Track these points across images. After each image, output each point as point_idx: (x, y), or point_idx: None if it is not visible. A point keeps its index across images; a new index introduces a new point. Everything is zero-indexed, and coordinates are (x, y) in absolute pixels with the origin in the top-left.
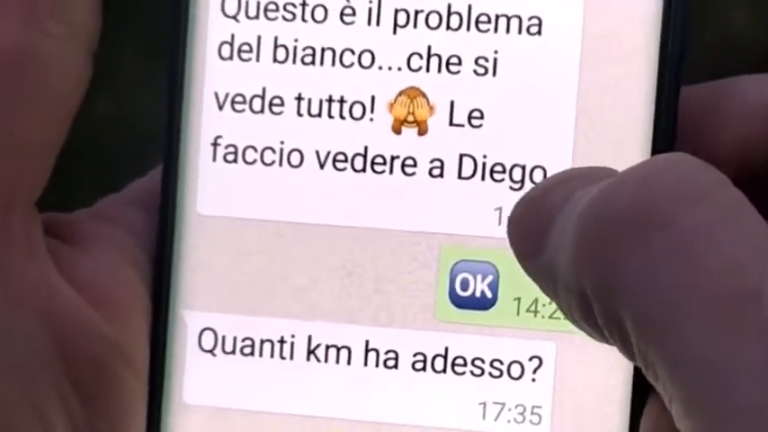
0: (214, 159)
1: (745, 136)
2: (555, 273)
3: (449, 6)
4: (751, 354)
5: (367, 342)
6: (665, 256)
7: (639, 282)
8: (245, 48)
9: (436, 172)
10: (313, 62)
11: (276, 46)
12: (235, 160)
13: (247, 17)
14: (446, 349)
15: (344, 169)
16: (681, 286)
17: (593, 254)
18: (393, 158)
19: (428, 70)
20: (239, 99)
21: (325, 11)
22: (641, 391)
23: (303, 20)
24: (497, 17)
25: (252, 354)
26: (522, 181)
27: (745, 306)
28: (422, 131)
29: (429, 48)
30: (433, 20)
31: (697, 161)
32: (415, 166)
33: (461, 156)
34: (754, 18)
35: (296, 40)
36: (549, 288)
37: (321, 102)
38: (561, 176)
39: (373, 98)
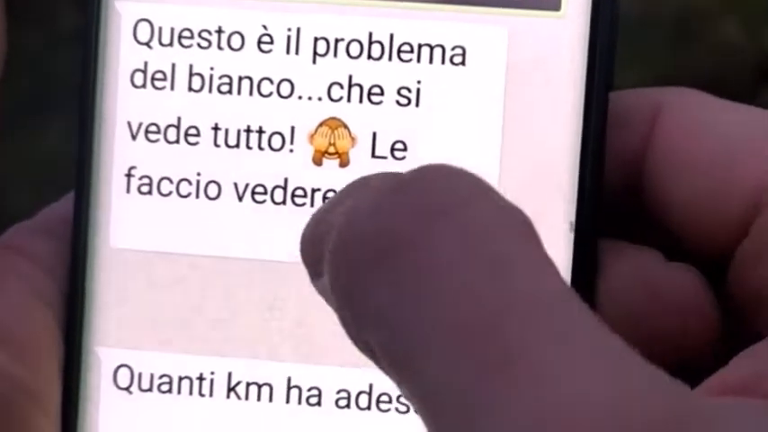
0: (128, 191)
1: (624, 152)
2: (328, 294)
3: (370, 35)
4: (487, 386)
5: (289, 379)
6: (402, 280)
7: (380, 312)
8: (159, 75)
9: None
10: (230, 91)
11: (191, 74)
12: (149, 192)
13: (161, 44)
14: (370, 386)
15: (264, 201)
16: (418, 316)
17: (340, 277)
18: (314, 191)
19: (349, 100)
20: (153, 129)
21: (242, 38)
22: None
23: (219, 47)
24: (420, 46)
25: (170, 391)
26: None
27: (483, 335)
28: (343, 163)
29: (350, 77)
30: (354, 49)
31: (448, 171)
32: None
33: None
34: (746, 31)
35: (212, 69)
36: (334, 308)
37: (239, 132)
38: (341, 192)
39: (293, 129)
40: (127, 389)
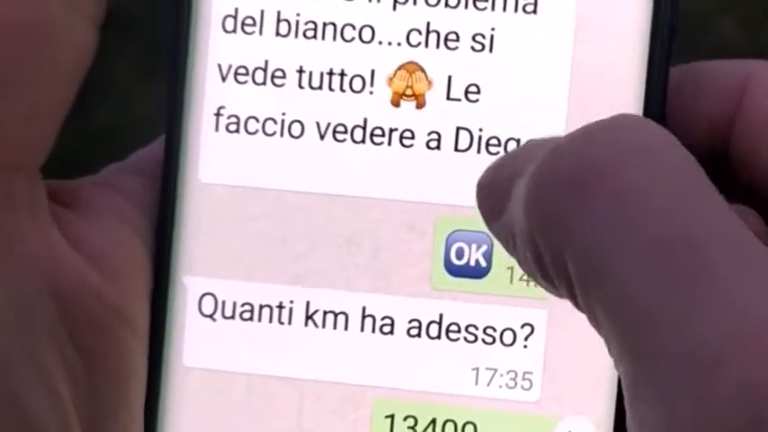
0: (216, 129)
1: (713, 117)
2: (513, 229)
3: None
4: (676, 300)
5: (364, 308)
6: (603, 204)
7: (580, 229)
8: (249, 21)
9: (433, 144)
10: (315, 36)
11: (279, 20)
12: (237, 130)
13: None
14: (441, 316)
15: (344, 140)
16: (617, 233)
17: (541, 205)
18: (392, 131)
19: (427, 46)
20: (242, 71)
21: None
22: None
23: None
24: None
25: (251, 319)
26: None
27: (675, 252)
28: (420, 105)
29: (428, 24)
30: None
31: (641, 120)
32: (412, 138)
33: (458, 129)
34: (743, 31)
35: (298, 15)
36: (510, 245)
37: (322, 75)
38: (524, 145)
39: (373, 72)
40: (211, 316)
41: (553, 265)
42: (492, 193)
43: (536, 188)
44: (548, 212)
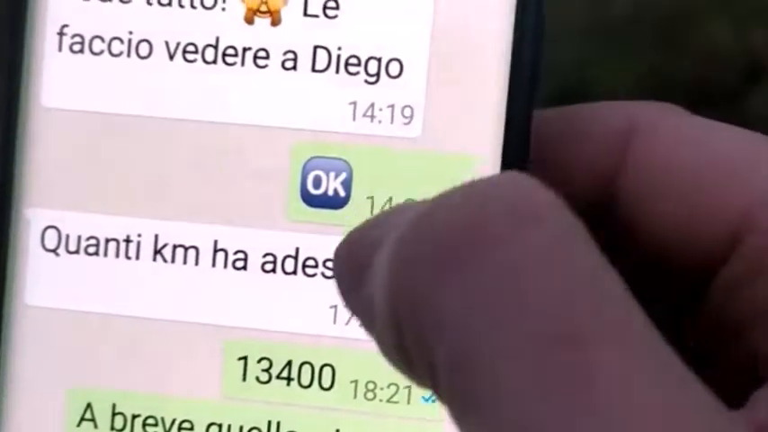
0: (60, 49)
1: (595, 165)
2: (372, 306)
3: None
4: (556, 405)
5: (215, 242)
6: (486, 286)
7: (453, 310)
8: None
9: (289, 64)
10: None
11: None
12: (81, 51)
13: None
14: (297, 250)
15: (194, 61)
16: (499, 323)
17: (406, 279)
18: (245, 50)
19: None
20: None
21: None
22: None
23: None
24: None
25: (96, 253)
26: (378, 74)
27: (557, 349)
28: (275, 21)
29: None
30: None
31: (531, 181)
32: (267, 58)
33: (315, 48)
34: (733, 31)
35: None
36: (369, 324)
37: None
38: (391, 209)
39: None
40: (54, 250)
41: (416, 348)
42: (348, 263)
43: (401, 258)
44: (413, 288)
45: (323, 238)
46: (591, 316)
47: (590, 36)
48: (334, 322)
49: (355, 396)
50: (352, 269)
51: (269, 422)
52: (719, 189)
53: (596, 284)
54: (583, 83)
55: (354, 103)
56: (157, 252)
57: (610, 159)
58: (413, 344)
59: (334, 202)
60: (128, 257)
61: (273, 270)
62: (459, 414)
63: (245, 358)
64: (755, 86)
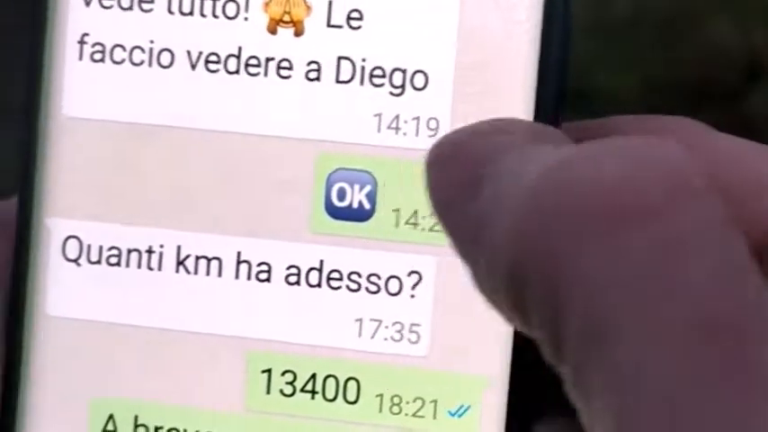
0: (80, 58)
1: None
2: (483, 234)
3: None
4: (720, 399)
5: (239, 253)
6: (640, 259)
7: (603, 278)
8: None
9: (313, 75)
10: None
11: None
12: (102, 59)
13: None
14: (321, 262)
15: (217, 71)
16: (647, 298)
17: (543, 234)
18: (268, 60)
19: None
20: None
21: None
22: None
23: None
24: None
25: (118, 264)
26: (403, 86)
27: (718, 341)
28: (298, 32)
29: None
30: None
31: (686, 155)
32: (290, 68)
33: (339, 58)
34: (735, 29)
35: None
36: (469, 249)
37: None
38: (496, 122)
39: None
40: (75, 260)
41: (542, 307)
42: (454, 174)
43: (537, 208)
44: (550, 247)
45: (347, 250)
46: (751, 310)
47: (591, 36)
48: (360, 335)
49: (380, 410)
50: (457, 182)
51: None
52: (749, 204)
53: (752, 277)
54: (584, 83)
55: (379, 115)
56: (180, 263)
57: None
58: (538, 301)
59: (359, 215)
60: (150, 268)
61: (297, 282)
62: (582, 384)
63: (268, 371)
64: (756, 86)
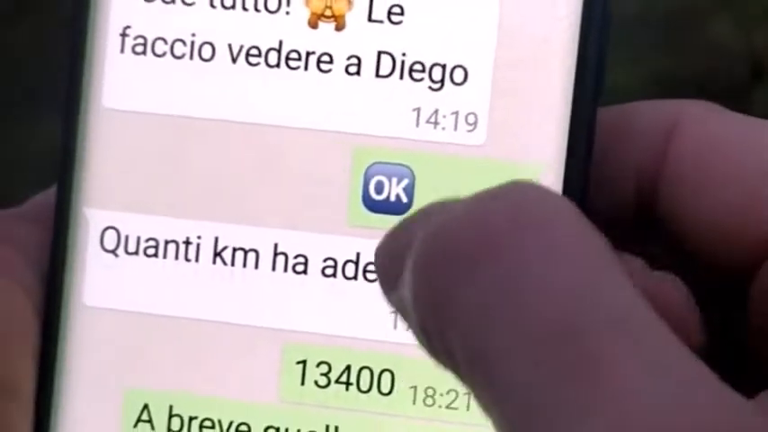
0: (122, 51)
1: (640, 167)
2: (406, 307)
3: None
4: (566, 393)
5: (276, 245)
6: (494, 282)
7: (467, 307)
8: None
9: (353, 69)
10: None
11: None
12: (144, 52)
13: None
14: (357, 255)
15: (257, 64)
16: (506, 314)
17: (426, 279)
18: (308, 54)
19: None
20: None
21: None
22: None
23: None
24: None
25: (156, 255)
26: (443, 81)
27: (564, 341)
28: (339, 27)
29: None
30: None
31: (540, 188)
32: (331, 62)
33: (379, 53)
34: (738, 30)
35: None
36: (407, 321)
37: None
38: (421, 209)
39: None
40: (113, 251)
41: (440, 343)
42: (387, 263)
43: (422, 260)
44: (433, 287)
45: None
46: (588, 311)
47: None
48: (395, 328)
49: (414, 402)
50: (388, 268)
51: (326, 426)
52: (762, 185)
53: (604, 280)
54: None
55: (418, 110)
56: (217, 254)
57: (653, 155)
58: (436, 337)
59: (397, 208)
60: (187, 259)
61: (334, 275)
62: (479, 401)
63: (303, 362)
64: (759, 85)
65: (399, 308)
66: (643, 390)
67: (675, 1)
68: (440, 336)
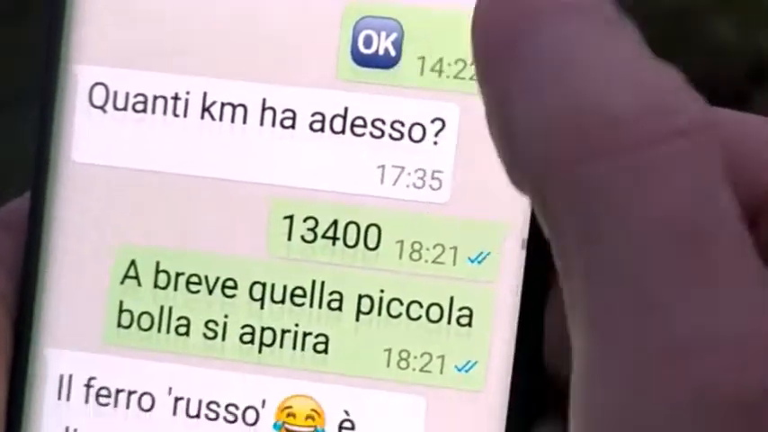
0: None
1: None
2: (511, 125)
3: None
4: (669, 291)
5: (264, 100)
6: (621, 178)
7: (593, 188)
8: None
9: None
10: None
11: None
12: None
13: None
14: (346, 109)
15: None
16: (631, 205)
17: (571, 156)
18: None
19: None
20: None
21: None
22: None
23: None
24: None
25: (144, 110)
26: None
27: (680, 239)
28: None
29: None
30: None
31: None
32: None
33: None
34: (740, 31)
35: None
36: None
37: None
38: None
39: None
40: (102, 107)
41: (552, 204)
42: (499, 22)
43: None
44: (576, 168)
45: (372, 97)
46: (712, 211)
47: None
48: (382, 182)
49: (401, 257)
50: (497, 41)
51: (313, 281)
52: None
53: (721, 191)
54: None
55: None
56: (205, 110)
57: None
58: (550, 202)
59: (385, 62)
60: (175, 115)
61: (322, 129)
62: (567, 270)
63: (290, 217)
64: (761, 86)
65: (495, 99)
66: (745, 308)
67: (675, 1)
68: (558, 197)
